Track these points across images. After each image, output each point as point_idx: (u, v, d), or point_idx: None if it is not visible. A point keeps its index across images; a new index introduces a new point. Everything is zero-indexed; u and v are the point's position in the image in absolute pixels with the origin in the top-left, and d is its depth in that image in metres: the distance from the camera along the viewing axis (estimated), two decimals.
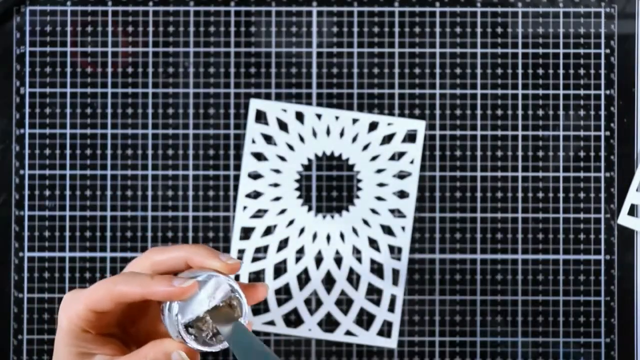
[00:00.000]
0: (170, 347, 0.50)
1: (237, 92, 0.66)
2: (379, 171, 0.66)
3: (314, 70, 0.66)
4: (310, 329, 0.65)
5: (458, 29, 0.66)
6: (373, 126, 0.66)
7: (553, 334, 0.65)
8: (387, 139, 0.66)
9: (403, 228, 0.65)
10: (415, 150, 0.66)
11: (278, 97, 0.66)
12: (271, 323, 0.65)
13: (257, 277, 0.65)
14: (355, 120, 0.66)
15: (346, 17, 0.66)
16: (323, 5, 0.66)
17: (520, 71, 0.66)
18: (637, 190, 0.65)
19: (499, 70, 0.66)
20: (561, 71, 0.66)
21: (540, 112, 0.65)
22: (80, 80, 0.66)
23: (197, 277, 0.48)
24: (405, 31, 0.66)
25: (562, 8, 0.66)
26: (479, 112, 0.66)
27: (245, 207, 0.66)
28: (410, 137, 0.66)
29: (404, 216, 0.65)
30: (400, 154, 0.66)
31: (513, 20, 0.66)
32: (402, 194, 0.66)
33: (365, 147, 0.66)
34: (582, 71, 0.65)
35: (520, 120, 0.65)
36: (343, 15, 0.66)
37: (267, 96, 0.66)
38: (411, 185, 0.65)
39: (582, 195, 0.65)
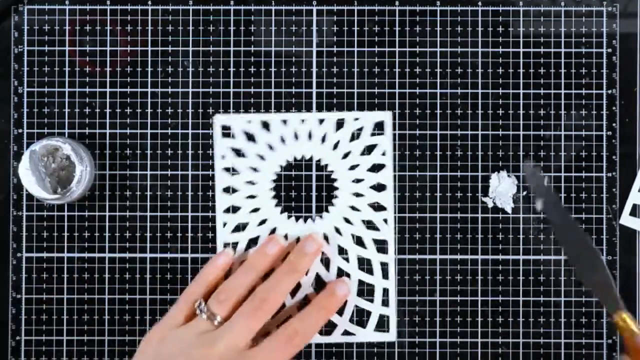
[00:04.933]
0: None
1: (237, 91, 0.66)
2: (353, 167, 0.65)
3: (314, 69, 0.66)
4: None
5: (459, 28, 0.66)
6: (340, 124, 0.65)
7: (554, 335, 0.65)
8: (356, 134, 0.65)
9: (385, 220, 0.65)
10: (385, 142, 0.65)
11: (278, 96, 0.66)
12: (267, 334, 0.64)
13: None
14: (321, 121, 0.65)
15: (346, 16, 0.66)
16: (323, 4, 0.66)
17: (521, 71, 0.65)
18: (639, 190, 0.65)
19: (500, 70, 0.65)
20: (562, 71, 0.65)
21: (542, 112, 0.65)
22: (79, 80, 0.66)
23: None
24: (405, 30, 0.66)
25: (564, 7, 0.66)
26: (479, 112, 0.65)
27: (225, 224, 0.65)
28: (381, 131, 0.65)
29: (384, 209, 0.65)
30: (371, 147, 0.65)
31: (514, 20, 0.66)
32: (380, 187, 0.65)
33: (336, 146, 0.65)
34: (583, 71, 0.65)
35: (522, 120, 0.65)
36: (343, 15, 0.66)
37: (267, 95, 0.66)
38: (387, 177, 0.65)
39: (583, 195, 0.65)
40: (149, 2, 0.66)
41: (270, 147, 0.65)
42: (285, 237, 0.65)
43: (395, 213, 0.65)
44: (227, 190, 0.65)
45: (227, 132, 0.65)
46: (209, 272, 0.62)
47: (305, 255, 0.62)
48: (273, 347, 0.59)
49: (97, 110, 0.66)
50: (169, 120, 0.66)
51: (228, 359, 0.57)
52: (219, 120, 0.65)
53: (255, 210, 0.65)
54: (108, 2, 0.66)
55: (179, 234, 0.65)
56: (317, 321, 0.61)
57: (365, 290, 0.65)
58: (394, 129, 0.65)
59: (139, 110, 0.66)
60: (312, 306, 0.62)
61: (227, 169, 0.65)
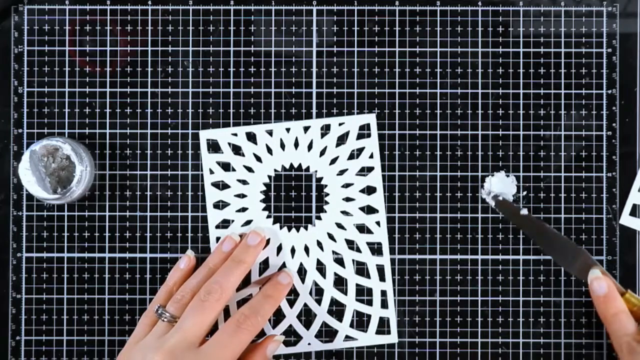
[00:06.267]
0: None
1: (237, 91, 0.66)
2: (341, 172, 0.65)
3: (314, 70, 0.66)
4: (309, 342, 0.65)
5: (459, 28, 0.65)
6: (326, 130, 0.65)
7: (554, 335, 0.65)
8: (342, 138, 0.65)
9: (378, 223, 0.65)
10: (372, 144, 0.65)
11: (278, 96, 0.66)
12: None
13: (244, 301, 0.64)
14: (306, 128, 0.65)
15: (346, 16, 0.66)
16: (323, 4, 0.66)
17: (521, 71, 0.65)
18: (639, 190, 0.65)
19: (500, 70, 0.65)
20: (562, 70, 0.65)
21: (542, 112, 0.65)
22: (79, 80, 0.66)
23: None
24: (405, 30, 0.66)
25: (564, 7, 0.66)
26: (479, 112, 0.65)
27: (218, 239, 0.65)
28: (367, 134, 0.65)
29: (376, 211, 0.65)
30: (359, 151, 0.65)
31: (514, 20, 0.66)
32: (370, 190, 0.65)
33: (323, 152, 0.65)
34: (583, 70, 0.65)
35: (522, 120, 0.65)
36: (343, 15, 0.66)
37: (267, 95, 0.66)
38: (376, 179, 0.65)
39: (583, 195, 0.65)
40: (149, 2, 0.66)
41: (258, 159, 0.65)
42: (280, 247, 0.65)
43: (395, 213, 0.65)
44: (217, 206, 0.65)
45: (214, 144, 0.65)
46: (171, 277, 0.64)
47: (249, 248, 0.63)
48: (224, 333, 0.59)
49: (97, 110, 0.66)
50: (169, 120, 0.66)
51: (181, 354, 0.58)
52: (204, 135, 0.65)
53: (248, 222, 0.65)
54: (108, 2, 0.66)
55: (179, 234, 0.65)
56: (265, 306, 0.62)
57: (365, 294, 0.65)
58: (394, 130, 0.65)
59: (139, 110, 0.66)
60: (259, 295, 0.63)
61: (216, 184, 0.65)
